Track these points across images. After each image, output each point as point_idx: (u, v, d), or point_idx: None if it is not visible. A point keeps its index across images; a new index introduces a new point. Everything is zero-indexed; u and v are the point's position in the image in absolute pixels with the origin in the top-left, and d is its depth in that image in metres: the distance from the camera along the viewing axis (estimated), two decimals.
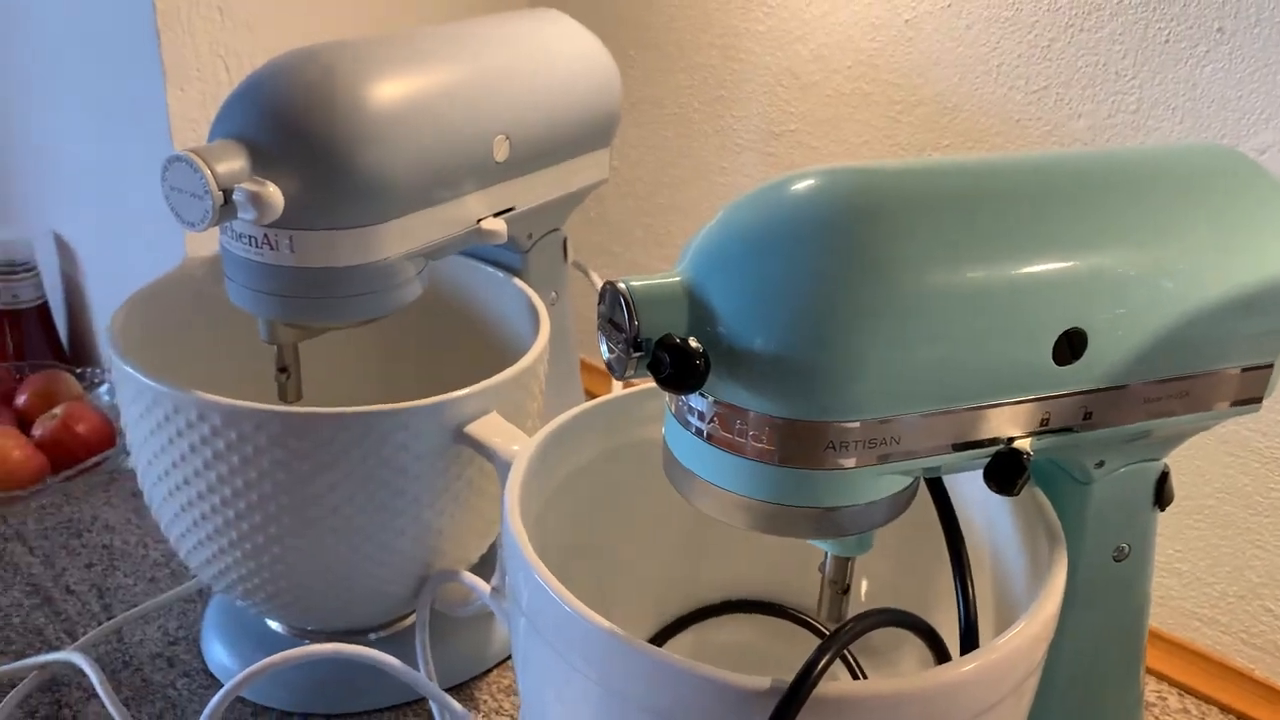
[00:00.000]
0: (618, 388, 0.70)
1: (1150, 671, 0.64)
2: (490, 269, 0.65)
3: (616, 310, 0.37)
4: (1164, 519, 0.65)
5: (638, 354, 0.36)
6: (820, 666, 0.34)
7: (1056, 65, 0.62)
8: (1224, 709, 0.62)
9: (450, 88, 0.55)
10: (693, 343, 0.35)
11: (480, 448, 0.51)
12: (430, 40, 0.57)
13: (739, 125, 0.78)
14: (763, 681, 0.34)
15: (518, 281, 0.63)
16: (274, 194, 0.48)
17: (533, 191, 0.61)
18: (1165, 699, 0.63)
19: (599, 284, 0.73)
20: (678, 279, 0.37)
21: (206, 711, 0.49)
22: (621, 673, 0.37)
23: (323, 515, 0.51)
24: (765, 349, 0.35)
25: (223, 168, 0.48)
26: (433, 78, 0.55)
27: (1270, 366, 0.43)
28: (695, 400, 0.38)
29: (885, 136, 0.70)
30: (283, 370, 0.57)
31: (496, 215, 0.58)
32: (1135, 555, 0.46)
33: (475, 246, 0.63)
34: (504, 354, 0.63)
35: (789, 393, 0.36)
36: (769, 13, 0.74)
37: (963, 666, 0.36)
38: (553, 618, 0.39)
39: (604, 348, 0.39)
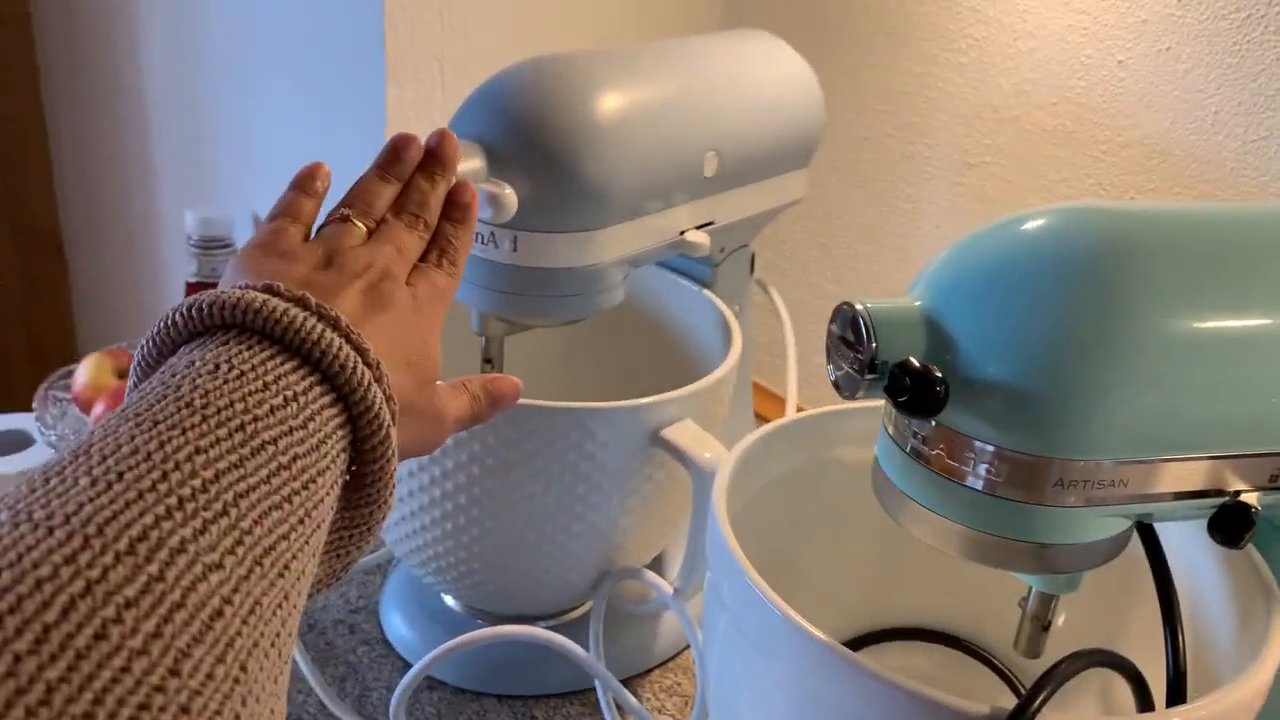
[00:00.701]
0: (791, 410, 0.71)
1: None
2: (683, 280, 0.67)
3: (852, 330, 0.38)
4: None
5: (872, 375, 0.37)
6: (1040, 700, 0.34)
7: (1279, 115, 0.61)
8: None
9: (668, 102, 0.57)
10: (935, 370, 0.36)
11: (675, 452, 0.52)
12: (650, 56, 0.59)
13: (930, 154, 0.78)
14: (981, 708, 0.35)
15: (709, 294, 0.65)
16: (510, 196, 0.50)
17: (734, 207, 0.62)
18: None
19: (778, 301, 0.74)
20: (916, 305, 0.38)
21: (398, 690, 0.51)
22: (827, 682, 0.38)
23: (520, 502, 0.53)
24: (1002, 380, 0.36)
25: (464, 166, 0.50)
26: (653, 92, 0.57)
27: None
28: (919, 424, 0.39)
29: (1085, 175, 0.70)
30: (488, 361, 0.59)
31: (699, 228, 0.60)
32: None
33: (670, 257, 0.65)
34: (691, 364, 0.65)
35: (1021, 425, 0.36)
36: (972, 45, 0.74)
37: (1172, 717, 0.36)
38: (760, 620, 0.40)
39: (831, 367, 0.40)
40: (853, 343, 0.38)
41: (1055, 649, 0.53)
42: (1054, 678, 0.35)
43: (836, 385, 0.40)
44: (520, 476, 0.52)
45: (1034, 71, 0.71)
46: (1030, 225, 0.38)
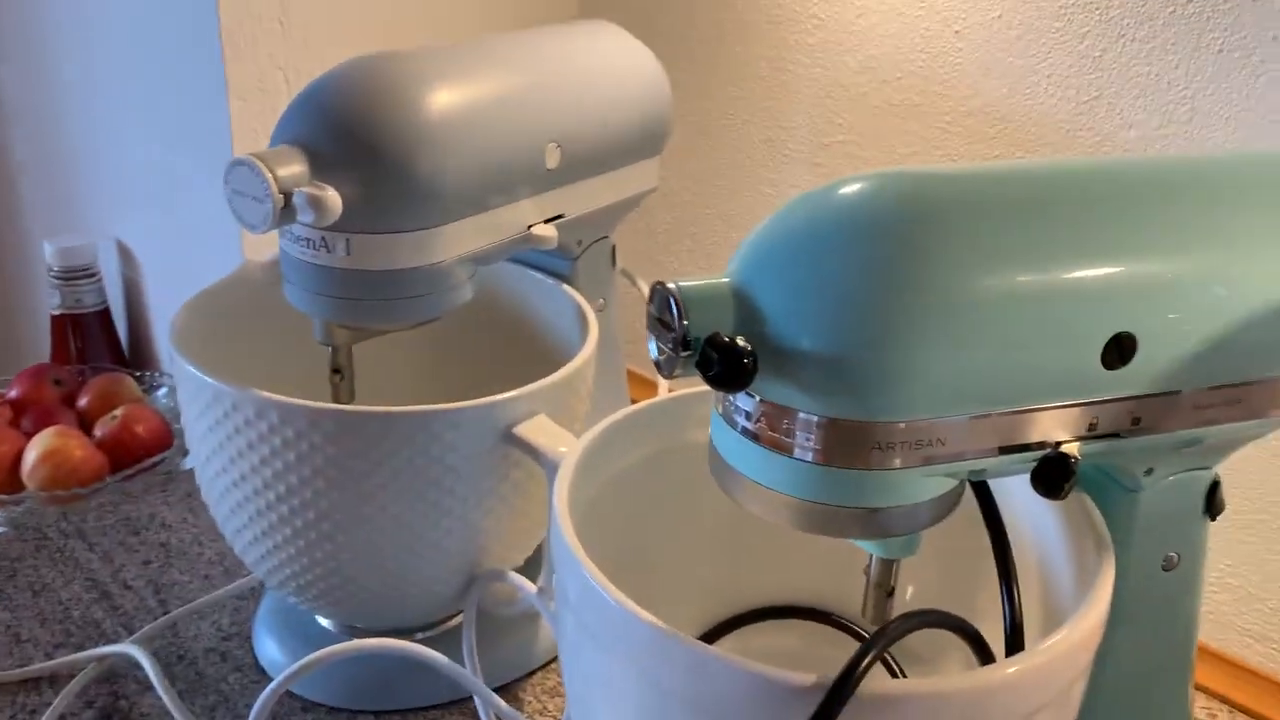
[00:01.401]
0: (664, 395, 0.70)
1: (1201, 688, 0.63)
2: (540, 275, 0.66)
3: (666, 310, 0.38)
4: (1216, 533, 0.64)
5: (686, 353, 0.37)
6: (864, 664, 0.34)
7: (1108, 75, 0.62)
8: None
9: (504, 95, 0.56)
10: (741, 341, 0.36)
11: (528, 448, 0.51)
12: (485, 49, 0.58)
13: (787, 136, 0.79)
14: (807, 678, 0.34)
15: (567, 288, 0.64)
16: (333, 198, 0.49)
17: (583, 199, 0.62)
18: (1215, 715, 0.62)
19: (646, 292, 0.73)
20: (726, 280, 0.38)
21: (258, 705, 0.50)
22: (667, 668, 0.37)
23: (373, 513, 0.52)
24: (812, 348, 0.36)
25: (284, 171, 0.49)
26: (487, 85, 0.56)
27: None
28: (742, 400, 0.38)
29: (934, 147, 0.70)
30: (336, 371, 0.58)
31: (547, 221, 0.59)
32: (1185, 565, 0.45)
33: (525, 253, 0.64)
34: (552, 359, 0.64)
35: (836, 392, 0.36)
36: (818, 25, 0.74)
37: (1006, 669, 0.36)
38: (600, 614, 0.39)
39: (653, 347, 0.39)
40: (668, 322, 0.38)
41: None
42: (880, 640, 0.35)
43: (658, 365, 0.39)
44: (369, 487, 0.51)
45: (878, 48, 0.71)
46: (833, 194, 0.38)
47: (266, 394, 0.50)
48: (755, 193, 0.81)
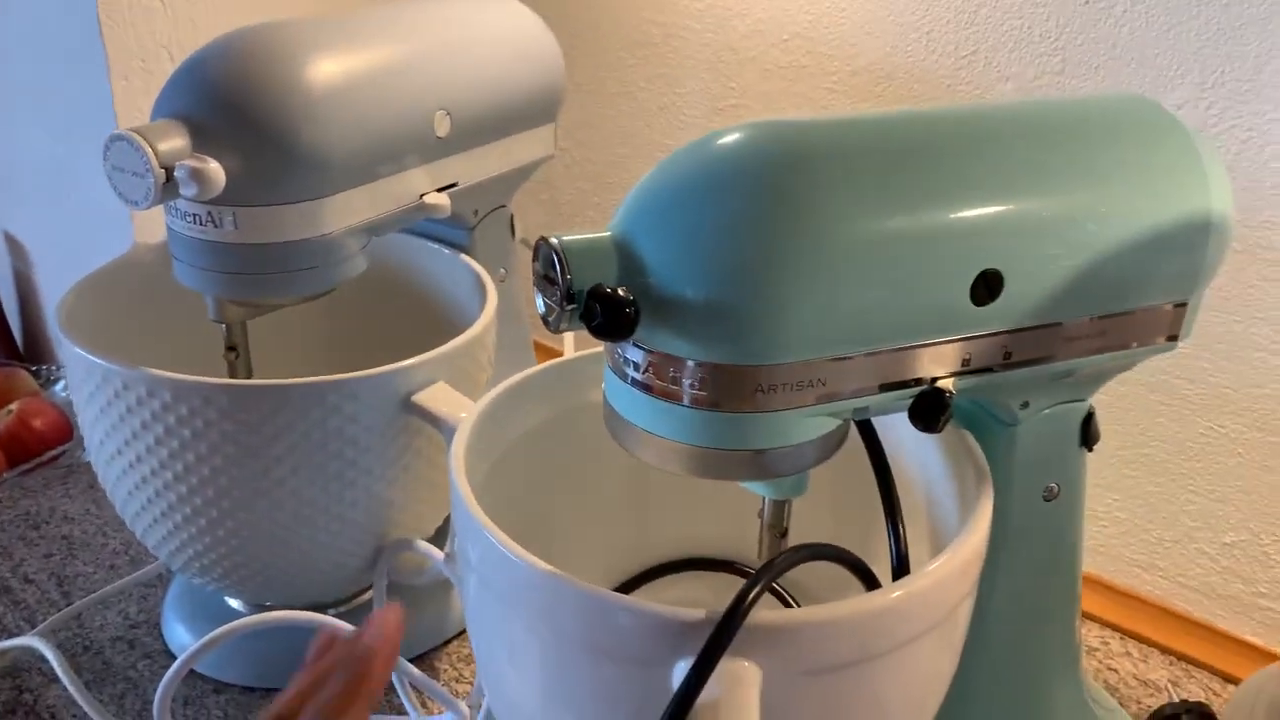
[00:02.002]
0: (563, 357, 0.71)
1: (1094, 618, 0.66)
2: (437, 246, 0.66)
3: (550, 265, 0.38)
4: (1102, 468, 0.66)
5: (571, 306, 0.38)
6: (751, 596, 0.35)
7: (983, 30, 0.64)
8: (1164, 650, 0.64)
9: (389, 63, 0.56)
10: (622, 291, 0.36)
11: (427, 416, 0.52)
12: (370, 19, 0.58)
13: (683, 102, 0.79)
14: (697, 613, 0.35)
15: (464, 257, 0.64)
16: (215, 170, 0.49)
17: (476, 167, 0.62)
18: (1109, 643, 0.65)
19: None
20: (608, 234, 0.39)
21: (161, 686, 0.49)
22: (564, 615, 0.38)
23: (272, 487, 0.52)
24: (692, 296, 0.37)
25: (164, 145, 0.49)
26: (371, 53, 0.55)
27: (1185, 305, 0.44)
28: (631, 351, 0.39)
29: (823, 107, 0.72)
30: (231, 349, 0.57)
31: (440, 190, 0.59)
32: (1065, 495, 0.47)
33: (423, 224, 0.64)
34: (455, 330, 0.63)
35: (716, 338, 0.37)
36: None
37: (891, 593, 0.37)
38: (499, 568, 0.40)
39: (540, 303, 0.40)
40: (552, 277, 0.38)
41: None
42: (766, 573, 0.36)
43: (545, 321, 0.40)
44: (267, 461, 0.51)
45: (764, 10, 0.72)
46: (707, 145, 0.39)
47: (157, 371, 0.50)
48: (654, 160, 0.81)
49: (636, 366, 0.39)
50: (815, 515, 0.54)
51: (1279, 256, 0.57)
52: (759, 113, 0.75)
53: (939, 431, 0.40)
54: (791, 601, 0.55)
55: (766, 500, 0.44)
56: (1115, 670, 0.62)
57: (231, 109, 0.50)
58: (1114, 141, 0.42)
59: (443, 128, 0.58)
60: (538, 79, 0.65)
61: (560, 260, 0.37)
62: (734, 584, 0.57)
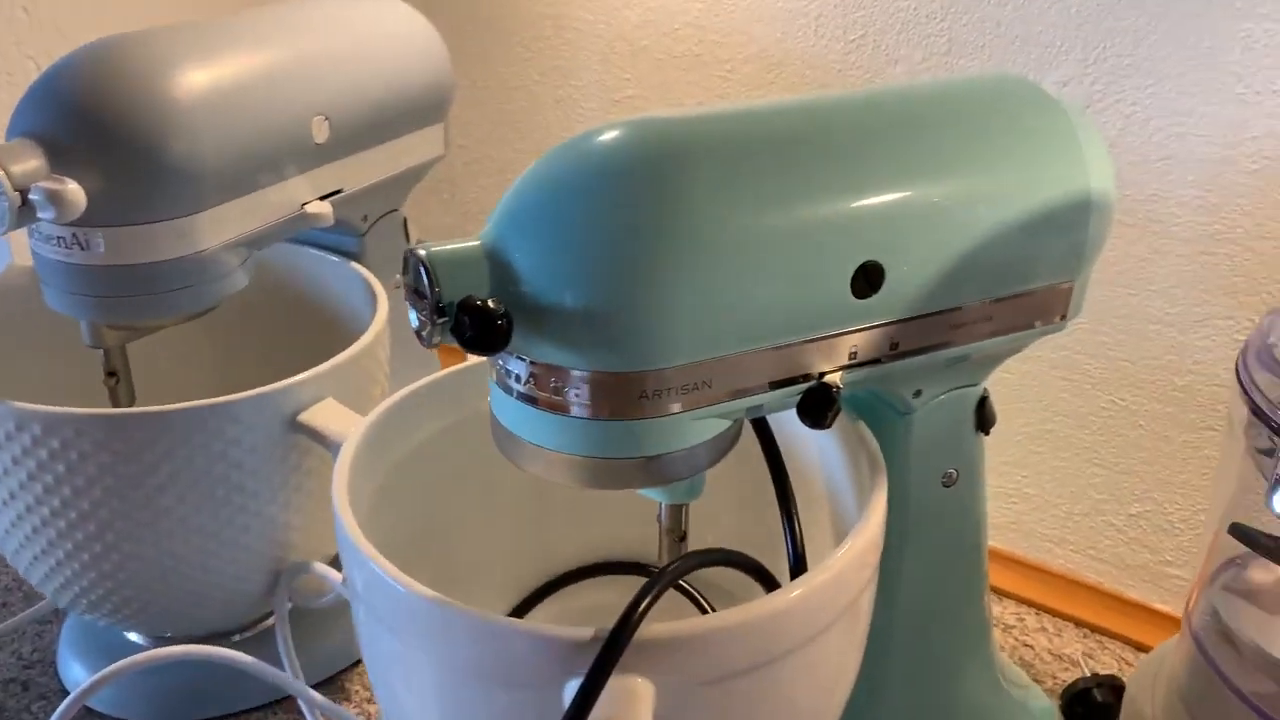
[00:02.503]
0: (456, 366, 0.69)
1: (1009, 595, 0.66)
2: (325, 254, 0.64)
3: (418, 278, 0.37)
4: (1009, 446, 0.67)
5: (442, 320, 0.36)
6: (641, 610, 0.34)
7: (871, 13, 0.63)
8: (1078, 623, 0.64)
9: (261, 70, 0.54)
10: (492, 303, 0.35)
11: (315, 435, 0.50)
12: (240, 24, 0.56)
13: (579, 95, 0.78)
14: (585, 631, 0.34)
15: (354, 265, 0.62)
16: (74, 191, 0.46)
17: (361, 172, 0.60)
18: (1024, 620, 0.65)
19: None
20: (477, 243, 0.37)
21: None
22: (454, 642, 0.37)
23: (158, 517, 0.50)
24: (567, 303, 0.35)
25: (18, 168, 0.46)
26: (241, 60, 0.53)
27: (1071, 285, 0.44)
28: (513, 363, 0.38)
29: (718, 96, 0.71)
30: (111, 374, 0.55)
31: (323, 199, 0.57)
32: (964, 479, 0.47)
33: (309, 233, 0.62)
34: (347, 341, 0.62)
35: (596, 345, 0.36)
36: None
37: (788, 594, 0.36)
38: (383, 596, 0.38)
39: (413, 317, 0.38)
40: (421, 290, 0.37)
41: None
42: (655, 585, 0.35)
43: (419, 335, 0.38)
44: (149, 491, 0.49)
45: (655, 0, 0.71)
46: (577, 145, 0.38)
47: (25, 405, 0.47)
48: None
49: (519, 378, 0.38)
50: (721, 511, 0.54)
51: (1167, 229, 0.58)
52: (655, 103, 0.74)
53: (827, 428, 0.40)
54: (704, 602, 0.55)
55: (663, 504, 0.43)
56: (1031, 646, 0.63)
57: (90, 124, 0.48)
58: (989, 125, 0.42)
59: (321, 134, 0.56)
60: (422, 78, 0.63)
61: (428, 272, 0.36)
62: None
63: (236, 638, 0.60)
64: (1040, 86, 0.43)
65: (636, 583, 0.57)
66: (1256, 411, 0.38)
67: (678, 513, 0.43)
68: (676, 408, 0.37)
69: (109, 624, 0.58)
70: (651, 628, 0.35)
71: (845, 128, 0.40)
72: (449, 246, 0.37)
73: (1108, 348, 0.62)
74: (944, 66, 0.62)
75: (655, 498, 0.43)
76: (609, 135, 0.38)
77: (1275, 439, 0.39)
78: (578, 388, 0.37)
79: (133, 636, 0.60)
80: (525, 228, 0.37)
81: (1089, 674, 0.57)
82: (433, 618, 0.37)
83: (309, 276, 0.65)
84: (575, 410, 0.37)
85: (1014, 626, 0.65)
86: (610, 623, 0.34)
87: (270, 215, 0.55)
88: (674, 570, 0.36)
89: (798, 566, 0.41)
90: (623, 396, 0.37)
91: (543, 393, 0.38)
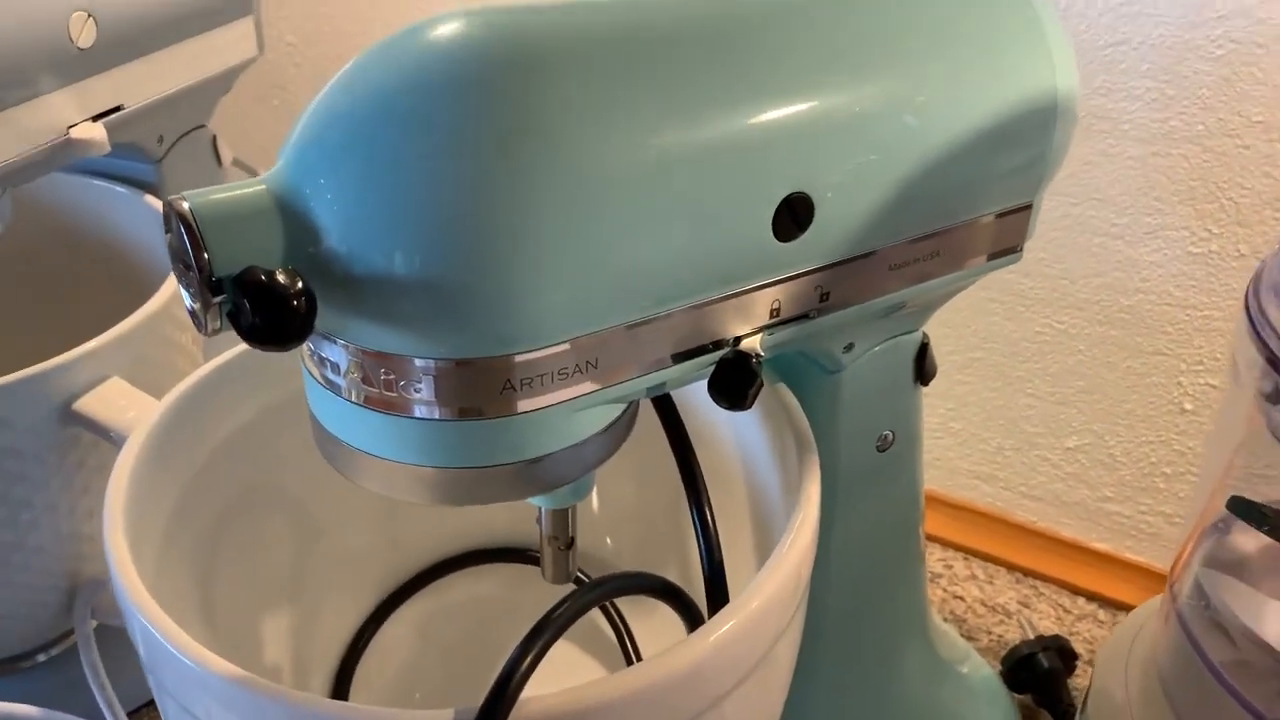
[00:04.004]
0: None
1: (934, 539, 0.60)
2: (112, 185, 0.52)
3: (181, 242, 0.26)
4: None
5: (219, 297, 0.26)
6: (515, 681, 0.26)
7: None
8: (1011, 568, 0.58)
9: None
10: (282, 276, 0.25)
11: (93, 426, 0.39)
12: None
13: None
14: (444, 714, 0.26)
15: (149, 199, 0.50)
16: None
17: (144, 83, 0.48)
18: (952, 566, 0.59)
19: None
20: (263, 187, 0.27)
21: None
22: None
23: None
24: (393, 269, 0.26)
25: None
26: None
27: (1028, 208, 0.36)
28: (330, 351, 0.28)
29: None
30: None
31: (96, 119, 0.45)
32: (901, 440, 0.40)
33: (92, 160, 0.50)
34: (145, 298, 0.51)
35: (438, 325, 0.26)
36: None
37: (710, 635, 0.28)
38: (171, 671, 0.29)
39: (185, 295, 0.28)
40: (188, 260, 0.26)
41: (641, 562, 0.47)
42: (535, 641, 0.27)
43: (194, 319, 0.28)
44: None
45: None
46: (403, 44, 0.28)
47: None
48: None
49: (338, 369, 0.28)
50: (616, 499, 0.45)
51: (1117, 127, 0.50)
52: None
53: (749, 408, 0.31)
54: (621, 625, 0.46)
55: (543, 510, 0.35)
56: (962, 598, 0.57)
57: None
58: (938, 9, 0.33)
59: (85, 36, 0.44)
60: None
61: (190, 233, 0.25)
62: (526, 575, 0.48)
63: (40, 658, 0.50)
64: None
65: (517, 570, 0.49)
66: (1272, 359, 0.30)
67: (563, 518, 0.35)
68: (553, 399, 0.28)
69: None
70: (530, 703, 0.26)
71: (758, 21, 0.30)
72: (225, 195, 0.27)
73: (1044, 264, 0.54)
74: None
75: (534, 503, 0.34)
76: (442, 31, 0.28)
77: None
78: (419, 381, 0.27)
79: None
80: (329, 164, 0.26)
81: (1031, 635, 0.51)
82: (237, 701, 0.27)
83: (94, 215, 0.52)
84: (419, 410, 0.28)
85: (941, 575, 0.58)
86: (492, 619, 0.26)
87: (24, 143, 0.43)
88: (559, 620, 0.28)
89: (714, 579, 0.33)
90: (481, 390, 0.27)
91: (372, 388, 0.28)
